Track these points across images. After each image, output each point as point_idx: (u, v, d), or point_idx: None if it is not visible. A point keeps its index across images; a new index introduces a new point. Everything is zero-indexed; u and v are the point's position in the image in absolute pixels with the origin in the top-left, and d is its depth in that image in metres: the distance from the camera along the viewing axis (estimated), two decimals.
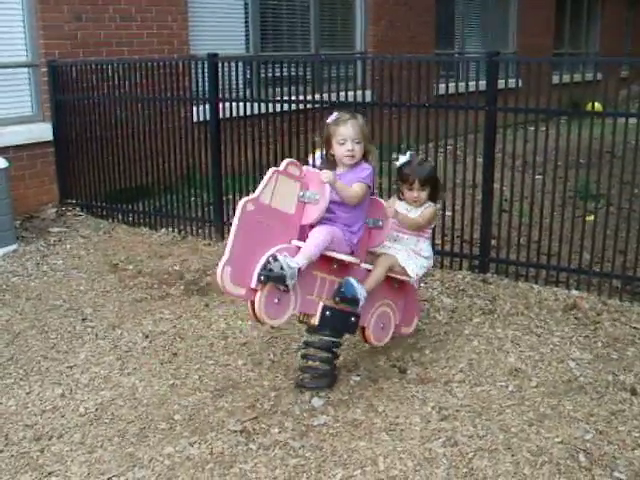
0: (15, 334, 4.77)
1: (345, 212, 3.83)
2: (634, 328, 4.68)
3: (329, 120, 3.96)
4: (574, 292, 5.24)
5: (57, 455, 3.40)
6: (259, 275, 3.49)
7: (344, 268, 3.87)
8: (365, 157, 3.92)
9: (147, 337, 4.68)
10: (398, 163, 4.18)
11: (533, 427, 3.55)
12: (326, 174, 3.68)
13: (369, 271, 4.00)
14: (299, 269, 3.54)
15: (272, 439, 3.48)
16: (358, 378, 4.07)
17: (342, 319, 3.89)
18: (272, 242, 3.57)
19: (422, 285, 5.43)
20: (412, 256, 4.12)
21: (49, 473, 3.26)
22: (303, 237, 3.72)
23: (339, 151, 3.87)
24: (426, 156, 5.77)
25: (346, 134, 3.83)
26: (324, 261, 3.76)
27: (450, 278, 5.59)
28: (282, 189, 3.60)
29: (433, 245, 5.78)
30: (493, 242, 5.77)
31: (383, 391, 3.92)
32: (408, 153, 4.24)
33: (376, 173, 4.17)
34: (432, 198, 4.17)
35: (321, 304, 3.80)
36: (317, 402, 3.80)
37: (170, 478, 3.20)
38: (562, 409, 3.71)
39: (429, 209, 4.14)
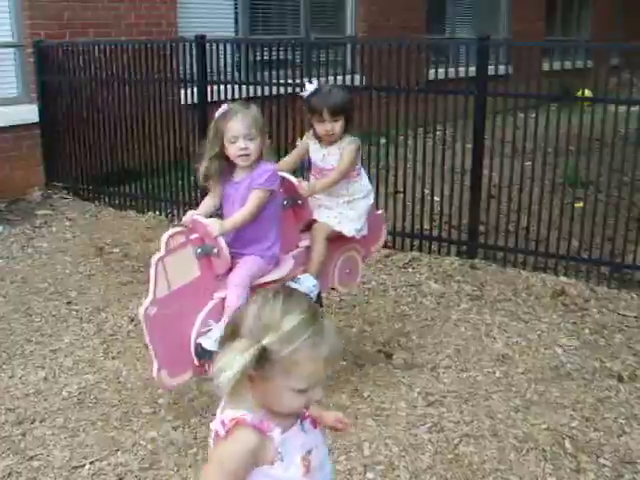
0: None
1: (249, 229, 3.44)
2: (621, 315, 4.67)
3: (217, 114, 3.44)
4: (562, 278, 5.23)
5: (39, 439, 3.37)
6: (198, 357, 3.28)
7: None
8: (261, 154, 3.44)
9: (132, 321, 4.63)
10: (304, 93, 3.78)
11: (519, 413, 3.54)
12: (212, 227, 3.29)
13: (309, 248, 3.76)
14: None
15: None
16: (344, 363, 4.04)
17: None
18: (193, 314, 3.31)
19: (410, 270, 5.41)
20: (345, 212, 3.80)
21: (31, 457, 3.23)
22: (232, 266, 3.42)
23: (231, 150, 3.37)
24: (415, 141, 5.74)
25: (237, 130, 3.33)
26: (257, 286, 3.44)
27: (438, 263, 5.57)
28: (175, 267, 3.23)
29: (422, 230, 5.80)
30: (481, 228, 5.75)
31: (369, 376, 3.90)
32: (315, 81, 3.84)
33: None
34: (347, 130, 3.75)
35: None
36: None
37: (153, 463, 3.18)
38: (549, 396, 3.70)
39: (348, 148, 3.73)
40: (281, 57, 6.37)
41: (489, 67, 5.47)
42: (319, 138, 3.82)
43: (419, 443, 3.30)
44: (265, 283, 3.51)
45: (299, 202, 3.75)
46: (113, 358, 4.16)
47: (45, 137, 7.70)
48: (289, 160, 4.02)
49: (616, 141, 5.11)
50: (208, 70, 6.58)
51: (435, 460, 3.18)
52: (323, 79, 6.06)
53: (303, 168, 4.38)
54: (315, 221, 3.82)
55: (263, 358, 1.64)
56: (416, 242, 5.85)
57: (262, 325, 1.66)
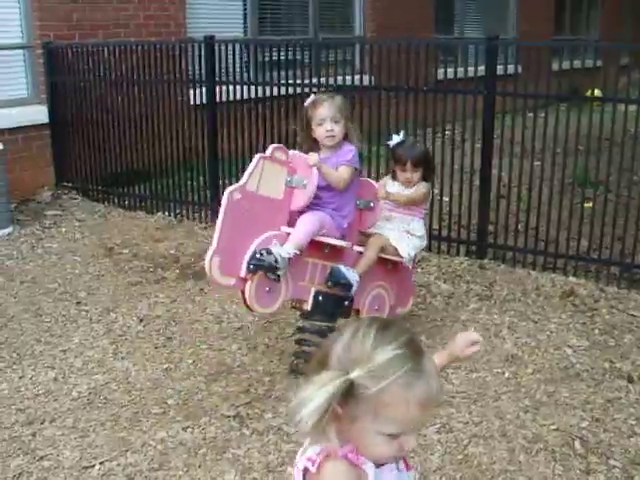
0: (9, 317, 4.73)
1: (333, 196, 3.79)
2: (631, 315, 4.65)
3: (306, 103, 3.89)
4: (571, 279, 5.21)
5: (49, 439, 3.38)
6: (249, 264, 3.46)
7: (336, 252, 3.84)
8: (347, 137, 3.84)
9: (141, 321, 4.65)
10: (391, 143, 4.15)
11: (529, 414, 3.53)
12: (312, 158, 3.67)
13: (361, 254, 3.96)
14: (289, 258, 3.51)
15: (266, 424, 3.46)
16: None
17: (335, 303, 3.86)
18: (260, 230, 3.52)
19: (419, 270, 5.40)
20: (404, 236, 4.07)
21: (41, 457, 3.24)
22: (292, 222, 3.67)
23: (319, 132, 3.79)
24: (424, 141, 5.73)
25: (324, 114, 3.75)
26: (315, 246, 3.71)
27: (447, 264, 5.56)
28: (269, 175, 3.54)
29: (431, 230, 5.79)
30: (491, 228, 5.74)
31: None
32: (401, 133, 4.19)
33: (363, 154, 4.14)
34: (425, 178, 4.15)
35: (313, 290, 3.78)
36: None
37: (162, 463, 3.18)
38: (558, 396, 3.69)
39: (422, 185, 4.10)
40: (290, 57, 6.37)
41: (498, 67, 5.46)
42: (398, 181, 4.14)
43: (428, 444, 3.29)
44: (319, 252, 3.74)
45: (371, 204, 4.02)
46: (122, 358, 4.17)
47: (55, 138, 7.73)
48: None
49: (626, 140, 5.09)
50: (217, 70, 6.59)
51: (444, 460, 3.18)
52: (332, 79, 6.06)
53: None
54: (370, 236, 4.05)
55: (350, 394, 1.46)
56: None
57: (351, 357, 1.48)
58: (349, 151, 3.79)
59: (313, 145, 3.87)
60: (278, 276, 3.49)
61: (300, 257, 3.62)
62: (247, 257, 3.47)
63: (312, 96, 3.94)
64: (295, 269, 3.63)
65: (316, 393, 1.45)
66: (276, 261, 3.42)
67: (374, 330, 1.50)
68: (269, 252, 3.43)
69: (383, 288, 4.15)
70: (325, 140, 3.79)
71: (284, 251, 3.49)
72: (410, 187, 4.09)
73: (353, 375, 1.45)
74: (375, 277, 4.06)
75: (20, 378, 3.95)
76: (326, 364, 1.52)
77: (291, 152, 3.75)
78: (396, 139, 4.14)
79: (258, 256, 3.43)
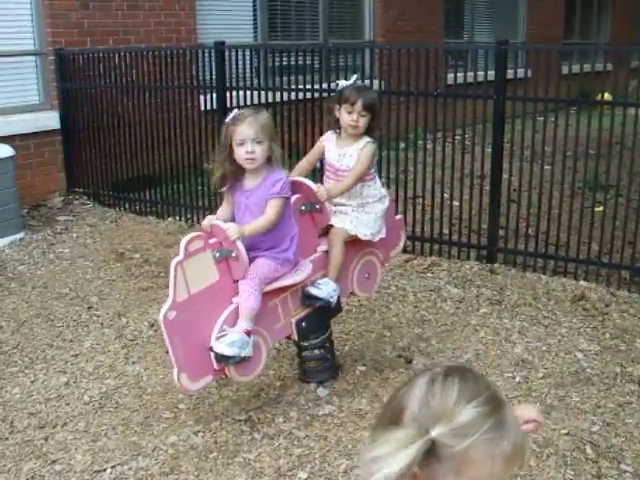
0: (21, 322, 4.76)
1: (266, 240, 3.47)
2: None
3: (227, 118, 3.48)
4: (582, 283, 5.20)
5: (61, 443, 3.40)
6: (217, 360, 3.28)
7: None
8: (270, 160, 3.45)
9: (152, 326, 4.66)
10: (340, 84, 3.82)
11: None
12: (231, 231, 3.31)
13: (327, 252, 3.76)
14: (248, 332, 3.31)
15: (277, 428, 3.46)
16: (364, 368, 4.05)
17: (321, 317, 3.74)
18: (213, 318, 3.32)
19: (429, 275, 5.40)
20: (361, 215, 3.80)
21: (53, 461, 3.26)
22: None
23: (239, 154, 3.38)
24: (434, 146, 5.73)
25: (244, 133, 3.34)
26: (274, 290, 3.50)
27: (457, 268, 5.56)
28: (194, 271, 3.24)
29: (441, 234, 5.79)
30: (501, 232, 5.73)
31: (389, 381, 3.90)
32: (354, 77, 3.88)
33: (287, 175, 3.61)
34: (368, 132, 3.79)
35: (293, 322, 3.63)
36: (322, 392, 3.79)
37: (174, 467, 3.19)
38: (569, 401, 3.68)
39: (365, 150, 3.75)
40: (300, 62, 6.39)
41: (508, 71, 5.46)
42: (339, 132, 3.82)
43: None
44: (283, 288, 3.54)
45: (317, 207, 3.72)
46: (134, 363, 4.19)
47: (66, 144, 7.76)
48: (305, 163, 4.02)
49: (637, 144, 5.08)
50: (227, 76, 6.62)
51: None
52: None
53: (318, 170, 4.41)
54: (332, 226, 3.81)
55: (431, 453, 1.32)
56: (435, 247, 5.85)
57: (431, 413, 1.35)
58: (277, 182, 3.40)
59: (234, 168, 3.46)
60: (248, 357, 3.33)
61: (264, 304, 3.41)
62: (212, 355, 3.29)
63: (235, 110, 3.52)
64: (264, 318, 3.45)
65: (396, 454, 1.30)
66: (232, 358, 3.25)
67: (455, 383, 1.39)
68: (221, 356, 3.25)
69: (369, 254, 3.98)
70: (245, 163, 3.40)
71: (236, 332, 3.27)
72: (353, 135, 3.75)
73: (434, 434, 1.33)
74: (354, 254, 3.86)
75: (32, 382, 3.98)
76: (399, 419, 1.39)
77: (210, 221, 3.42)
78: (346, 82, 3.78)
79: (217, 357, 3.27)
